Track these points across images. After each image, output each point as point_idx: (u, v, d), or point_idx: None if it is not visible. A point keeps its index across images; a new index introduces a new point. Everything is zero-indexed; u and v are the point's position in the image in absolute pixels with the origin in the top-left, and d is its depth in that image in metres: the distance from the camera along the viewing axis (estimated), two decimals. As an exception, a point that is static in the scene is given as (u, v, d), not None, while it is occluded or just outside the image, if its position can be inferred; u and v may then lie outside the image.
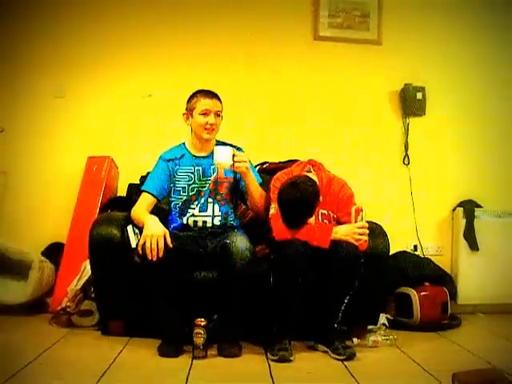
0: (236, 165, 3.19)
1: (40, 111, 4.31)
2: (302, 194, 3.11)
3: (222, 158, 3.17)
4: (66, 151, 4.32)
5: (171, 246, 3.02)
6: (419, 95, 4.48)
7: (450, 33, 4.61)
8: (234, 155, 3.19)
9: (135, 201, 3.41)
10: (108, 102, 4.38)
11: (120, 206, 3.79)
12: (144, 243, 2.98)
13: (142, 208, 3.30)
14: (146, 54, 4.37)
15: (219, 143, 3.48)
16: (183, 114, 3.43)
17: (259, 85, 4.46)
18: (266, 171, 3.93)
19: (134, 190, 3.84)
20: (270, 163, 4.07)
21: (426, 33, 4.60)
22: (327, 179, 3.44)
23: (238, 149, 3.47)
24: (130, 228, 3.30)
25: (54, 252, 4.04)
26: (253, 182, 3.34)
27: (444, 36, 4.61)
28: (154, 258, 2.96)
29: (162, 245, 2.98)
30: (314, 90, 4.51)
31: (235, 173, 3.36)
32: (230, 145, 3.48)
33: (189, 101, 3.41)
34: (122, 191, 4.20)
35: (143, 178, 3.78)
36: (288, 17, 4.48)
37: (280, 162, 4.00)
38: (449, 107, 4.60)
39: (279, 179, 3.38)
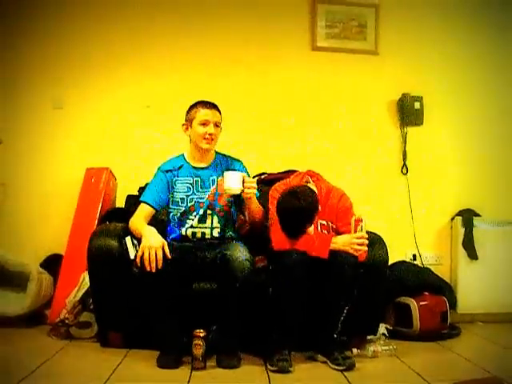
0: (246, 191, 3.20)
1: (38, 122, 4.32)
2: (300, 203, 3.11)
3: (233, 184, 3.17)
4: (64, 163, 4.32)
5: (170, 257, 3.01)
6: (417, 105, 4.49)
7: (447, 42, 4.63)
8: (244, 179, 3.19)
9: (134, 212, 3.41)
10: (106, 113, 4.38)
11: (118, 217, 3.79)
12: (142, 254, 2.97)
13: (139, 219, 3.30)
14: (144, 65, 4.38)
15: (219, 155, 3.50)
16: (182, 125, 3.43)
17: (257, 95, 4.47)
18: (265, 182, 3.92)
19: (133, 202, 3.83)
20: (269, 174, 4.08)
21: (423, 42, 4.61)
22: (326, 189, 3.45)
23: (237, 161, 3.51)
24: (128, 239, 3.30)
25: (52, 263, 4.03)
26: (255, 203, 3.35)
27: (441, 45, 4.62)
28: (153, 270, 2.95)
29: (160, 256, 2.97)
30: (311, 100, 4.52)
31: None
32: (229, 157, 3.52)
33: (188, 111, 3.42)
34: (120, 202, 4.20)
35: (142, 190, 3.77)
36: (286, 28, 4.50)
37: (278, 173, 4.01)
38: (446, 116, 4.61)
39: (277, 190, 3.38)
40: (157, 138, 4.36)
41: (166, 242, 3.06)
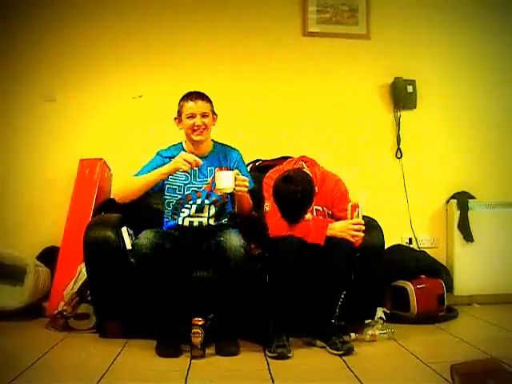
0: (237, 188, 3.18)
1: (30, 115, 4.29)
2: (297, 187, 3.11)
3: (225, 183, 3.15)
4: (57, 155, 4.30)
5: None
6: (410, 88, 4.48)
7: (438, 25, 4.61)
8: (236, 177, 3.18)
9: (129, 203, 3.39)
10: (99, 104, 4.36)
11: (113, 207, 3.78)
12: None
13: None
14: (137, 55, 4.36)
15: (216, 144, 3.51)
16: (174, 119, 3.45)
17: (249, 82, 4.45)
18: (259, 169, 3.93)
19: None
20: (263, 161, 4.07)
21: (415, 26, 4.59)
22: (321, 175, 3.44)
23: (234, 150, 3.52)
24: (124, 229, 3.31)
25: (49, 256, 4.02)
26: (246, 198, 3.35)
27: (433, 28, 4.61)
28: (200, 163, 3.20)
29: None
30: (303, 85, 4.51)
31: None
32: (227, 146, 3.53)
33: (178, 104, 3.44)
34: (115, 193, 4.20)
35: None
36: (276, 13, 4.48)
37: (272, 160, 4.00)
38: (439, 99, 4.60)
39: (271, 177, 3.38)
40: (150, 128, 4.35)
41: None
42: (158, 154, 3.48)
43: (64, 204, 4.04)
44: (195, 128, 3.34)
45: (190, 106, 3.36)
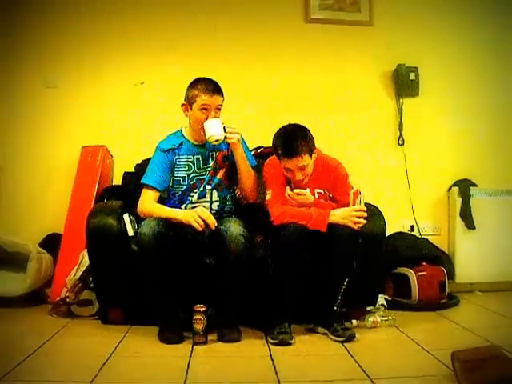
0: (228, 136, 3.18)
1: (32, 102, 4.28)
2: (291, 125, 3.27)
3: (215, 131, 3.15)
4: (59, 142, 4.29)
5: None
6: (412, 75, 4.47)
7: (441, 12, 4.59)
8: (225, 127, 3.18)
9: (131, 189, 3.38)
10: (100, 91, 4.35)
11: (116, 194, 3.79)
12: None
13: (153, 203, 3.25)
14: (138, 43, 4.34)
15: None
16: (182, 105, 3.35)
17: (251, 69, 4.43)
18: (261, 156, 3.92)
19: (130, 179, 3.85)
20: (265, 148, 4.07)
21: (417, 12, 4.57)
22: (321, 159, 3.44)
23: None
24: (126, 216, 3.31)
25: (51, 243, 4.03)
26: (242, 157, 3.31)
27: (436, 15, 4.58)
28: (213, 227, 3.07)
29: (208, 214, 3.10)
30: (305, 72, 4.49)
31: (231, 157, 3.35)
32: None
33: (189, 90, 3.31)
34: (117, 180, 4.19)
35: (138, 166, 3.78)
36: (279, 0, 4.46)
37: (274, 146, 4.00)
38: (442, 87, 4.59)
39: (270, 165, 3.39)
40: (152, 114, 4.34)
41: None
42: (158, 148, 3.38)
43: (66, 191, 4.05)
44: None
45: (207, 99, 3.22)
